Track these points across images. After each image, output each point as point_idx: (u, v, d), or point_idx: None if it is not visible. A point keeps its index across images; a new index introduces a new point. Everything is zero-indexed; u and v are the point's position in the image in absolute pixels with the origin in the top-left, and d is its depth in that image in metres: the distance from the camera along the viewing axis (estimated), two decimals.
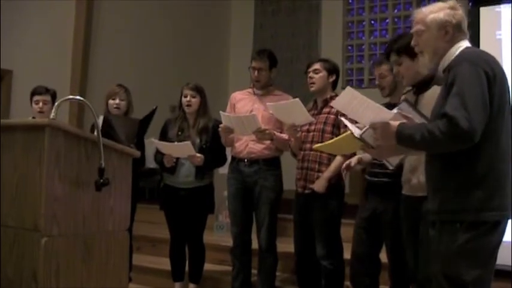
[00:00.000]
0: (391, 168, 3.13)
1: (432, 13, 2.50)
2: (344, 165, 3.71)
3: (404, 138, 2.40)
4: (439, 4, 2.53)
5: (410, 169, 3.20)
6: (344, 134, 3.17)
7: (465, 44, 2.50)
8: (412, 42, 2.59)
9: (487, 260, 2.39)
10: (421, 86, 3.12)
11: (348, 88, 2.55)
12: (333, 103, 2.78)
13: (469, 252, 2.34)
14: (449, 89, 2.34)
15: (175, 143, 4.25)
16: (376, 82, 3.70)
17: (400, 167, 3.28)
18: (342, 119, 3.20)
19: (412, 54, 2.97)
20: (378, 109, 2.49)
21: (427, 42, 2.51)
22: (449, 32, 2.47)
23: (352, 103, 2.53)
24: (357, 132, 2.79)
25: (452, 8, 2.50)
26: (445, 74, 2.47)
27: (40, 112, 4.40)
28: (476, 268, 2.35)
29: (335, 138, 3.30)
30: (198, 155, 4.19)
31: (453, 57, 2.46)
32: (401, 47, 3.11)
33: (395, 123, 2.42)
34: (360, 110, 2.52)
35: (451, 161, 2.38)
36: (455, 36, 2.49)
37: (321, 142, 3.85)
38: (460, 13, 2.50)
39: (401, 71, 3.15)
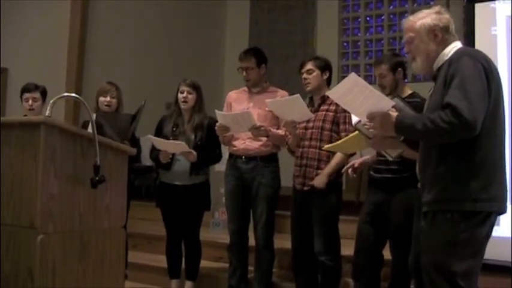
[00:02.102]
0: (390, 159, 3.16)
1: (420, 19, 2.61)
2: (349, 165, 3.73)
3: (405, 127, 2.45)
4: (425, 11, 2.66)
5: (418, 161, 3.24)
6: (351, 134, 3.21)
7: (458, 44, 2.61)
8: (405, 50, 2.68)
9: (477, 251, 2.44)
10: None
11: (352, 74, 2.56)
12: (329, 92, 2.76)
13: (461, 243, 2.39)
14: (449, 82, 2.40)
15: (171, 141, 4.24)
16: (377, 82, 3.72)
17: (403, 161, 3.31)
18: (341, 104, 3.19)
19: None
20: (379, 97, 2.52)
21: (419, 48, 2.61)
22: (438, 35, 2.58)
23: (353, 91, 2.54)
24: (354, 120, 2.82)
25: (438, 12, 2.62)
26: (439, 72, 2.54)
27: (30, 110, 4.39)
28: (466, 259, 2.39)
29: (343, 139, 3.34)
30: (194, 153, 4.19)
31: (447, 57, 2.54)
32: None
33: (394, 113, 2.47)
34: (360, 98, 2.53)
35: (447, 152, 2.43)
36: (445, 39, 2.59)
37: (320, 139, 3.91)
38: (446, 16, 2.62)
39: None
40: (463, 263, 2.38)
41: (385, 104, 2.51)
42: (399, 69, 3.66)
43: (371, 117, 2.53)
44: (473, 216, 2.39)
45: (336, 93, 2.68)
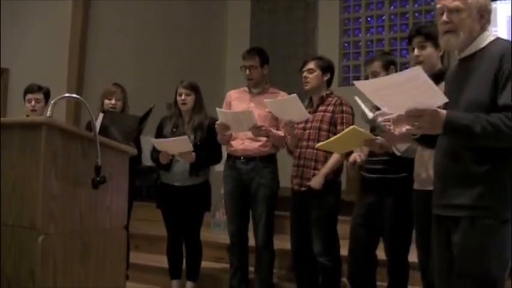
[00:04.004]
0: (398, 154, 3.14)
1: None
2: (351, 159, 3.69)
3: (457, 128, 2.23)
4: None
5: (420, 163, 3.22)
6: (347, 130, 3.17)
7: (491, 34, 2.45)
8: (445, 18, 2.40)
9: (510, 257, 2.34)
10: (434, 80, 3.10)
11: (419, 67, 2.24)
12: (364, 82, 2.41)
13: (500, 250, 2.29)
14: (505, 81, 2.24)
15: (172, 138, 4.23)
16: None
17: (396, 161, 3.31)
18: (356, 99, 3.14)
19: (437, 43, 3.04)
20: (434, 93, 2.22)
21: (465, 22, 2.38)
22: (484, 17, 2.41)
23: (406, 84, 2.22)
24: (370, 115, 2.74)
25: None
26: (470, 62, 2.39)
27: (33, 110, 4.40)
28: (504, 265, 2.31)
29: (338, 135, 3.30)
30: (192, 154, 4.19)
31: (482, 45, 2.39)
32: (431, 32, 3.14)
33: (443, 111, 2.24)
34: (410, 93, 2.22)
35: (485, 155, 2.28)
36: (486, 23, 2.43)
37: (318, 140, 3.88)
38: (491, 3, 2.46)
39: (424, 55, 3.18)
40: (502, 269, 2.30)
41: (438, 100, 2.24)
42: (391, 66, 3.69)
43: (418, 114, 2.23)
44: (507, 223, 2.28)
45: (376, 84, 2.36)
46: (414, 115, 2.25)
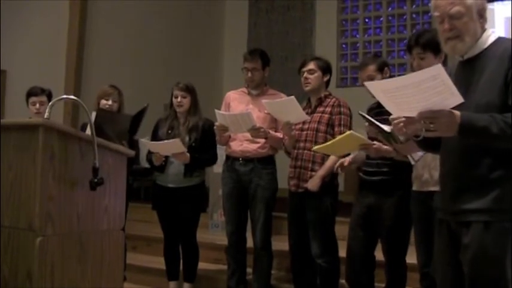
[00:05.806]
0: (413, 163, 3.15)
1: None
2: (338, 163, 3.71)
3: (473, 129, 2.14)
4: None
5: (422, 165, 3.22)
6: (343, 135, 3.18)
7: (492, 32, 2.40)
8: (447, 26, 2.33)
9: None
10: None
11: (439, 65, 2.09)
12: (368, 84, 2.30)
13: None
14: None
15: (165, 141, 4.23)
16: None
17: (394, 164, 3.30)
18: (363, 113, 3.14)
19: (436, 51, 3.05)
20: (451, 94, 2.10)
21: (468, 26, 2.31)
22: (483, 16, 2.35)
23: (423, 84, 2.09)
24: (386, 127, 2.74)
25: None
26: (476, 62, 2.34)
27: (37, 113, 4.41)
28: None
29: (335, 139, 3.31)
30: (186, 154, 4.19)
31: (485, 45, 2.34)
32: (428, 41, 3.14)
33: (458, 112, 2.13)
34: (425, 94, 2.10)
35: (503, 157, 2.22)
36: (484, 22, 2.37)
37: (315, 141, 3.88)
38: (487, 3, 2.42)
39: (424, 65, 3.12)
40: None
41: (454, 100, 2.12)
42: (385, 68, 3.69)
43: (433, 115, 2.13)
44: None
45: (390, 84, 2.20)
46: (429, 116, 2.14)
